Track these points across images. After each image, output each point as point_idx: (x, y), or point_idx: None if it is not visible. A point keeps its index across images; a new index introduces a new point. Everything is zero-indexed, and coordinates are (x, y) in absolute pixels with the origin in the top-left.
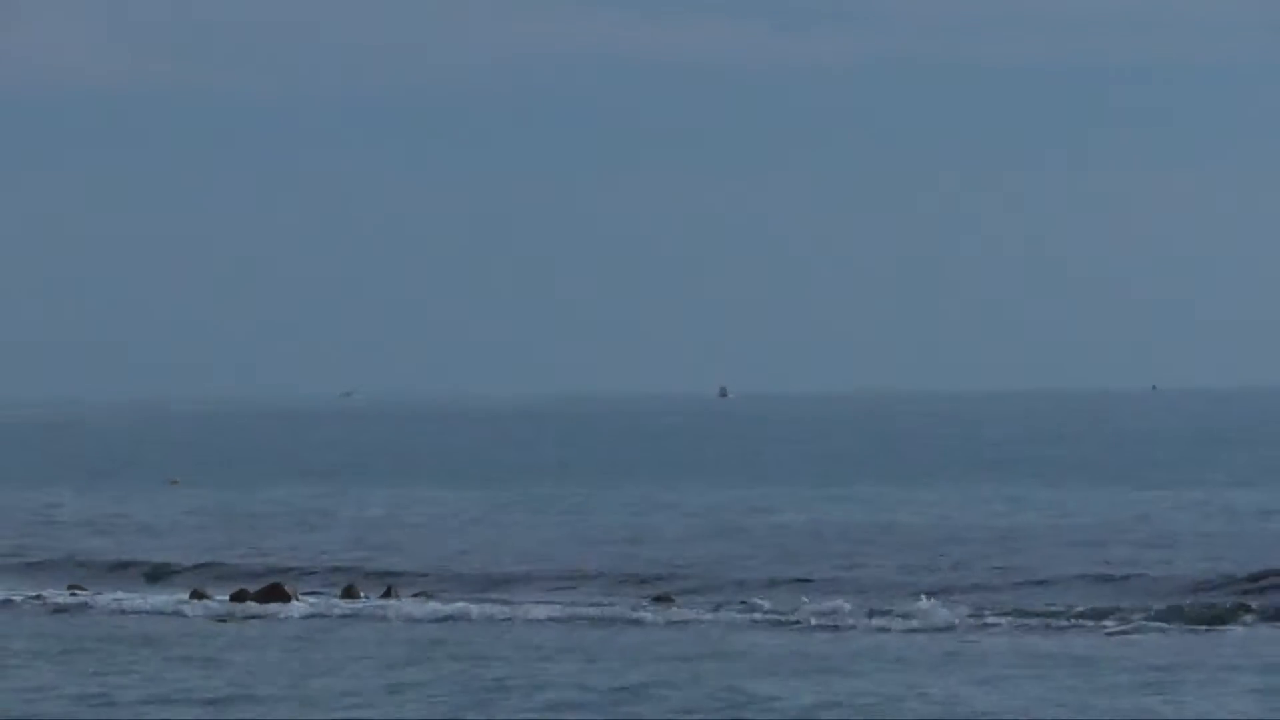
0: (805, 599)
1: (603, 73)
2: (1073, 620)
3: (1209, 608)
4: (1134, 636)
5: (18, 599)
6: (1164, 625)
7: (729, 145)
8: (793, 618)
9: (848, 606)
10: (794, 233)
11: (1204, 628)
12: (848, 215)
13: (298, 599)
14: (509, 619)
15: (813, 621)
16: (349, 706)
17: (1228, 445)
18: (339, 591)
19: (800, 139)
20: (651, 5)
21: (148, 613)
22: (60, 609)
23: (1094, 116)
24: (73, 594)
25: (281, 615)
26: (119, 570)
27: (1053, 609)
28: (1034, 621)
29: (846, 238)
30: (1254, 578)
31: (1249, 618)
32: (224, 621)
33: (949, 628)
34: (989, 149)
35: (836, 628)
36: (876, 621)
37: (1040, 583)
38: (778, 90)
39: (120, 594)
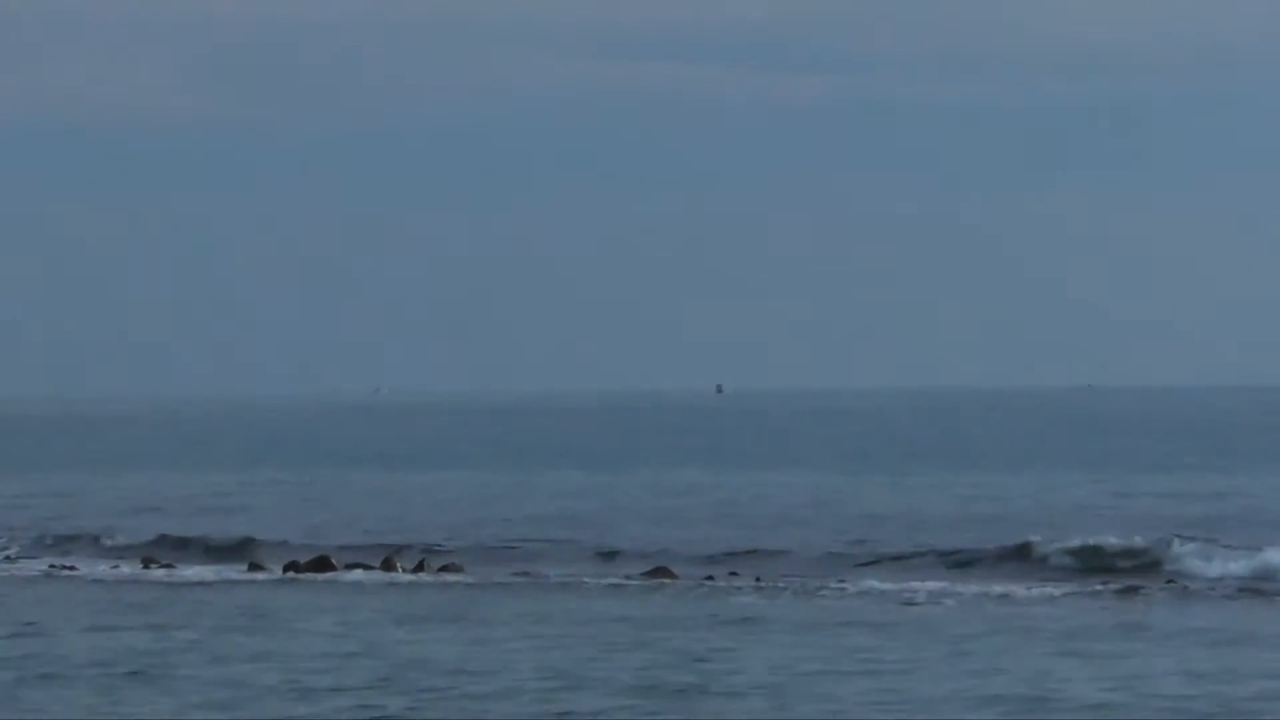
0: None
1: (599, 109)
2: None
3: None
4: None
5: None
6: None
7: (721, 178)
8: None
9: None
10: (779, 247)
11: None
12: (830, 231)
13: (342, 570)
14: (507, 585)
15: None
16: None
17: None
18: (379, 563)
19: (784, 169)
20: (695, 55)
21: (211, 581)
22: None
23: (1047, 150)
24: (147, 566)
25: (323, 583)
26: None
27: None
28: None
29: (827, 252)
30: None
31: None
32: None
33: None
34: (955, 173)
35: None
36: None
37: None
38: (762, 124)
39: (199, 566)
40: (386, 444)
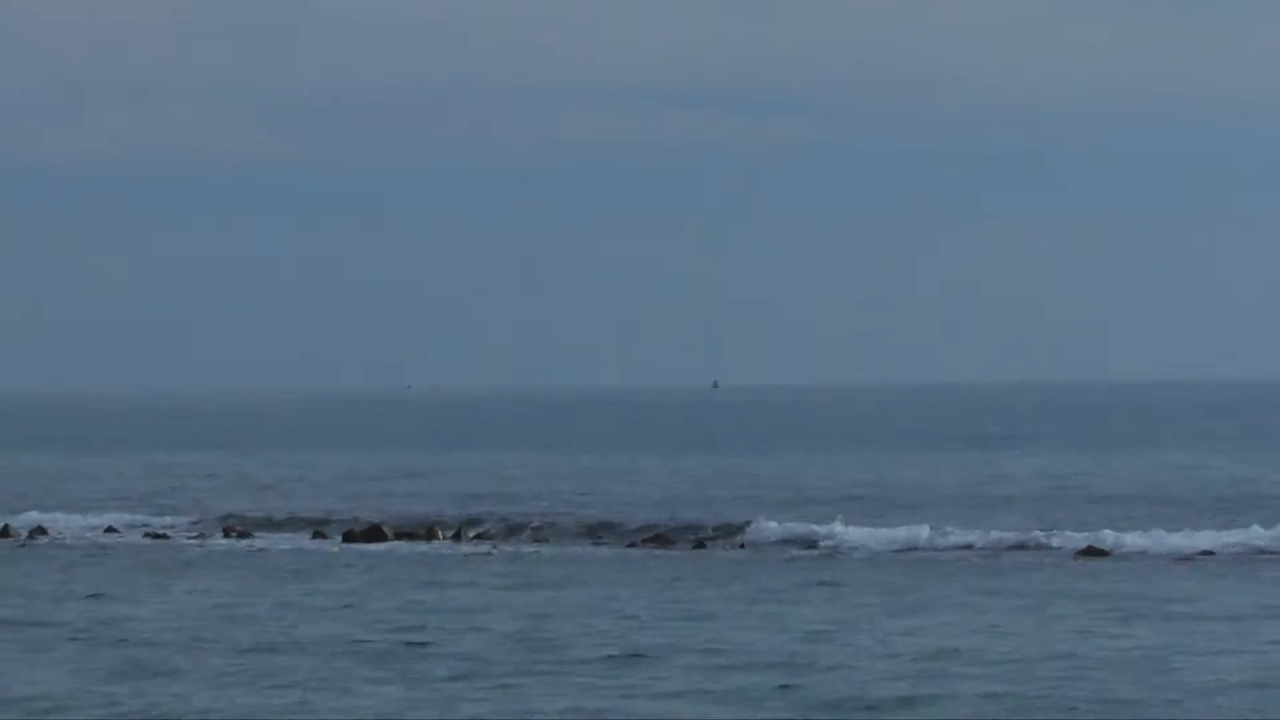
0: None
1: (615, 156)
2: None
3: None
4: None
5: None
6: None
7: (710, 211)
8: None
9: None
10: (771, 254)
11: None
12: (814, 246)
13: (392, 539)
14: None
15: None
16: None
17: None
18: (423, 534)
19: (766, 202)
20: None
21: (283, 549)
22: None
23: (986, 187)
24: (228, 536)
25: (374, 552)
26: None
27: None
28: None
29: (813, 262)
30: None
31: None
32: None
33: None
34: (910, 202)
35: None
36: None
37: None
38: (746, 163)
39: (276, 536)
40: (424, 432)
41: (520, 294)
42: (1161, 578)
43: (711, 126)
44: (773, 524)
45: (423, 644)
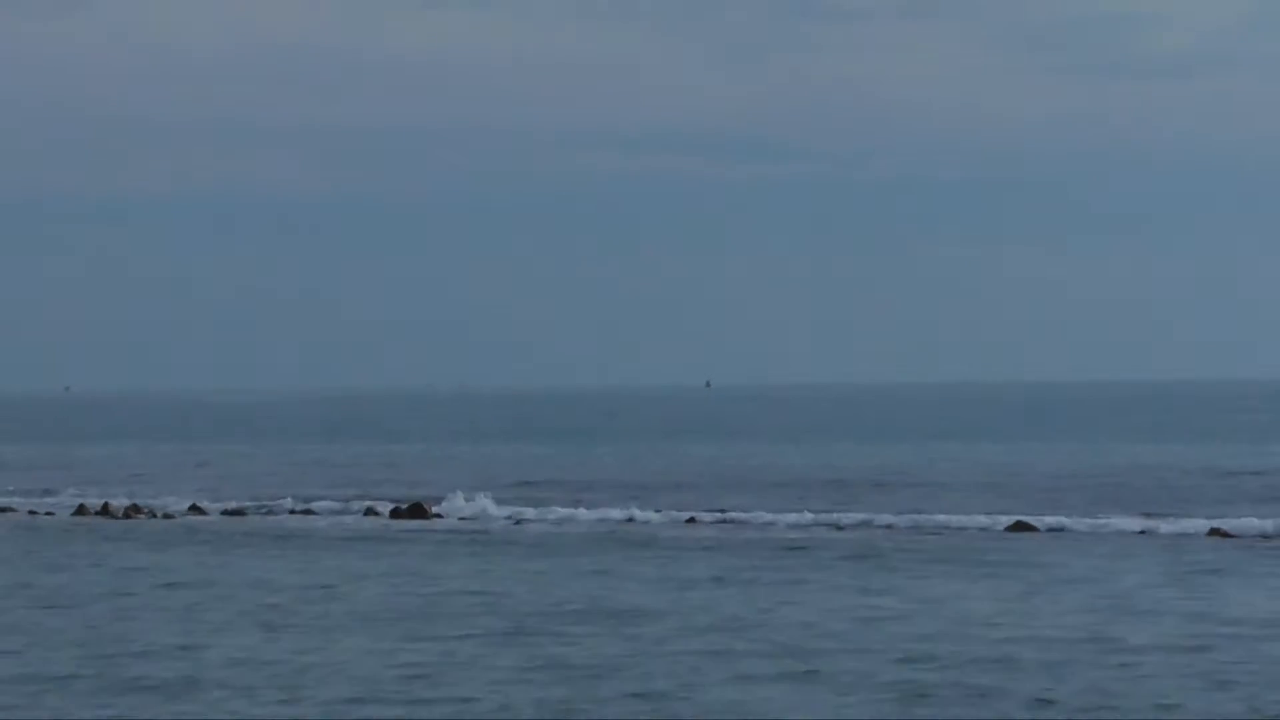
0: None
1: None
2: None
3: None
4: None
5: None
6: None
7: (700, 236)
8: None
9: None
10: (764, 261)
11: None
12: (799, 255)
13: (432, 514)
14: (526, 520)
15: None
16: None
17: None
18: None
19: (751, 224)
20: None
21: (343, 521)
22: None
23: (936, 216)
24: (292, 512)
25: (416, 525)
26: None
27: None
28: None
29: (801, 268)
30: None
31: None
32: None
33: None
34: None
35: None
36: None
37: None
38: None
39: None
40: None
41: (540, 301)
42: (1053, 551)
43: (710, 164)
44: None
45: None
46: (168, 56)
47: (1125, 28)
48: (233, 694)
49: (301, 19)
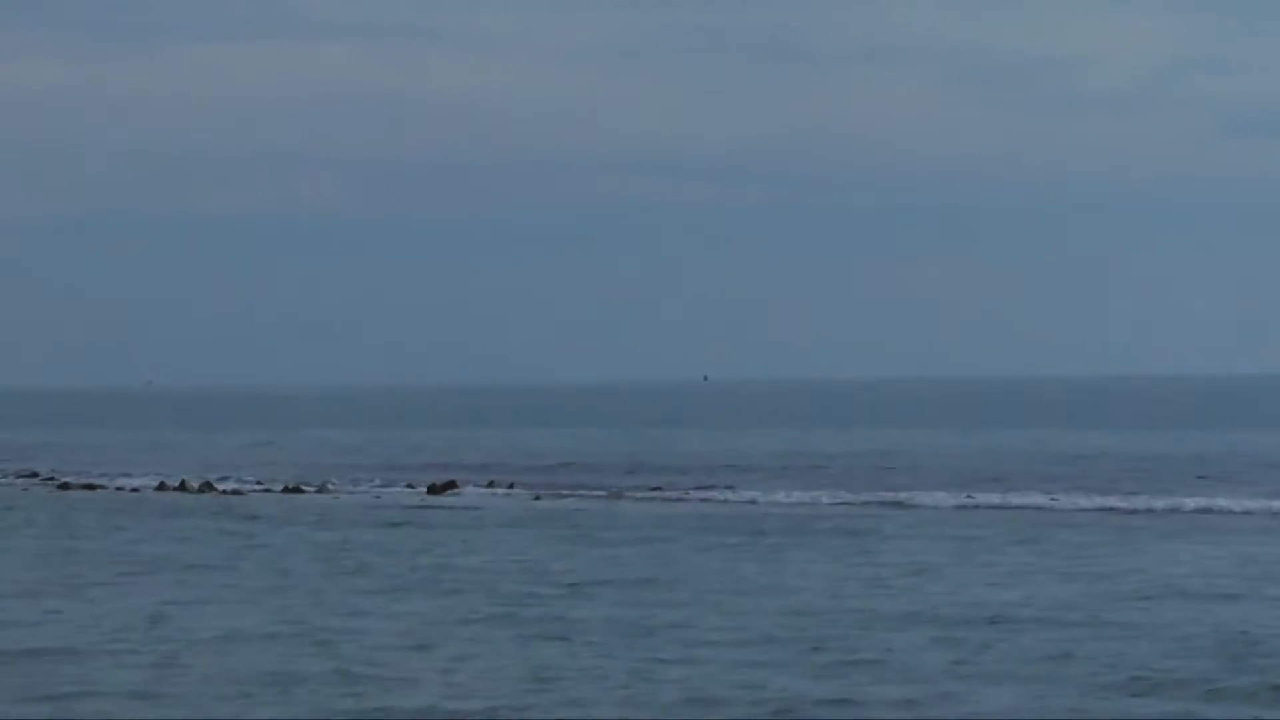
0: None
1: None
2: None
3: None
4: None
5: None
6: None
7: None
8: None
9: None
10: (758, 260)
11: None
12: (788, 263)
13: (464, 490)
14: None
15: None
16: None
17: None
18: (485, 484)
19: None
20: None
21: (384, 496)
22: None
23: (906, 234)
24: (319, 489)
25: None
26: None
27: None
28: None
29: (792, 271)
30: None
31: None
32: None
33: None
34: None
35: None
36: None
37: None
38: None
39: (364, 486)
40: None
41: (556, 302)
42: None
43: (708, 190)
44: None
45: None
46: (232, 96)
47: (1052, 71)
48: None
49: (348, 66)
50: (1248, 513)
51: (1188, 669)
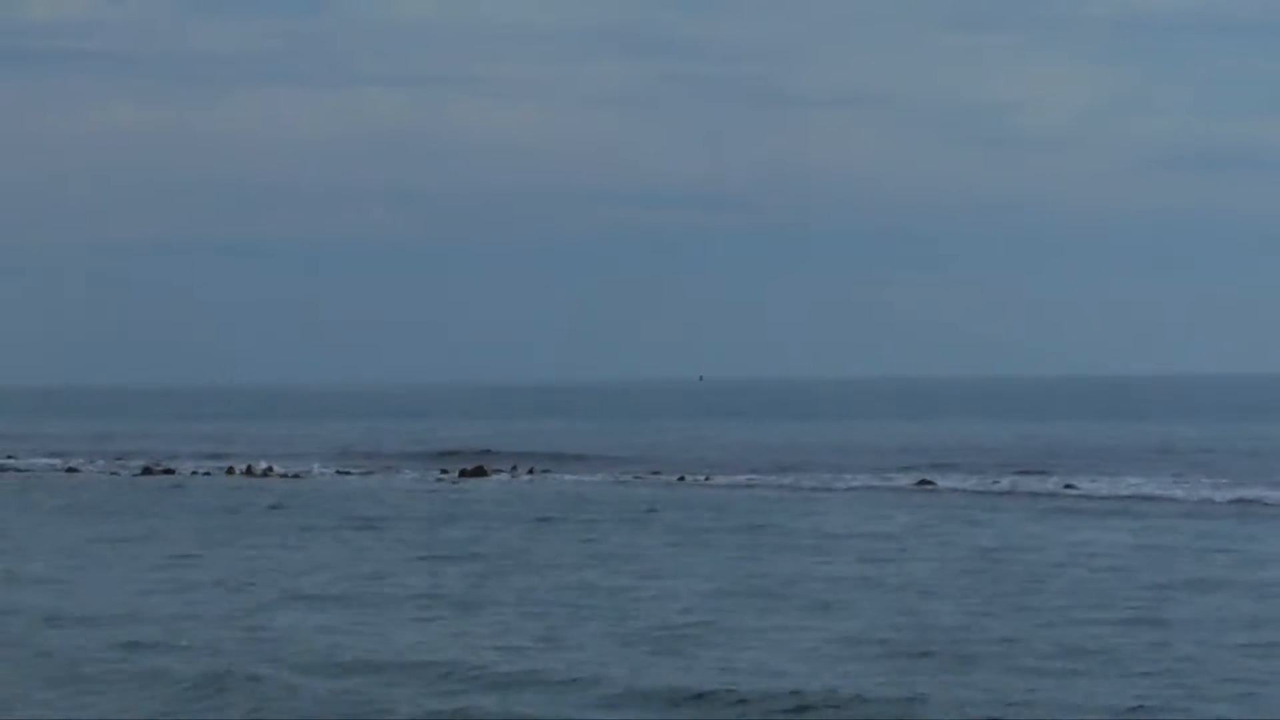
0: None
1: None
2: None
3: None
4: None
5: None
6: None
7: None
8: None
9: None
10: (750, 265)
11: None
12: (780, 269)
13: (492, 474)
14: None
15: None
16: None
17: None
18: (511, 468)
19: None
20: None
21: (410, 479)
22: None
23: (885, 251)
24: (339, 473)
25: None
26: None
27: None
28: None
29: (782, 275)
30: None
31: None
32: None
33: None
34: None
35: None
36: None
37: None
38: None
39: (407, 471)
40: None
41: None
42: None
43: (705, 218)
44: None
45: None
46: (294, 136)
47: (995, 113)
48: None
49: (394, 109)
50: None
51: None
